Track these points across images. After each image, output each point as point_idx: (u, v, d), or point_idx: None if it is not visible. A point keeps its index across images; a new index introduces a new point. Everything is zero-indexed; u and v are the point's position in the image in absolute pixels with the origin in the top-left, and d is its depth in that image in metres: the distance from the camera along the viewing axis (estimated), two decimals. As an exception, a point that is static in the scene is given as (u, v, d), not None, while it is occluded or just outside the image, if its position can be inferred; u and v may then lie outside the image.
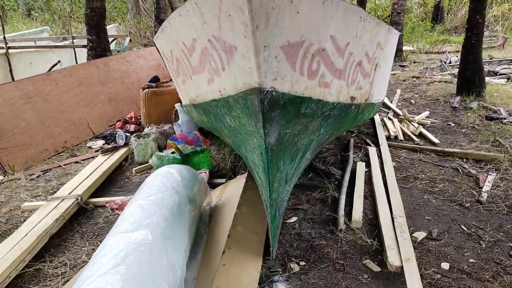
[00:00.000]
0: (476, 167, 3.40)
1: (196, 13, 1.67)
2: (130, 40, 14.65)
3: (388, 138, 4.25)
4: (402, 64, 8.71)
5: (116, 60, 5.73)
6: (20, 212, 3.02)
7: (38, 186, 3.51)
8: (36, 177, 3.74)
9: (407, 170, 3.43)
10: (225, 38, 1.50)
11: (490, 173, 3.24)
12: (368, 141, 4.16)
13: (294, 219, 2.70)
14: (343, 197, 2.87)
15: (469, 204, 2.79)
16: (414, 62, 9.00)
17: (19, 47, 6.16)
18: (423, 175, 3.29)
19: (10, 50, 5.93)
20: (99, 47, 5.58)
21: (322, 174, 3.29)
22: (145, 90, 4.37)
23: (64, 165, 4.01)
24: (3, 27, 6.05)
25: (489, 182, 3.06)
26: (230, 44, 1.52)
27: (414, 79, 7.27)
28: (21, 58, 6.28)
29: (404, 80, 7.19)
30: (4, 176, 3.79)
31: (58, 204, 2.86)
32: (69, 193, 3.02)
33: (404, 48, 10.30)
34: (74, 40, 7.82)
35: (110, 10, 15.81)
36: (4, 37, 5.85)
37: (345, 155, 3.72)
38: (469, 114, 4.91)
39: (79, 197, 2.94)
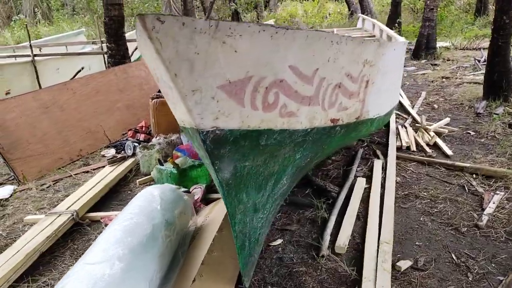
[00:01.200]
0: (485, 185, 3.21)
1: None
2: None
3: (399, 148, 4.10)
4: (434, 63, 8.36)
5: (135, 67, 5.83)
6: (21, 226, 3.14)
7: (46, 197, 3.64)
8: (47, 187, 3.88)
9: (410, 187, 3.29)
10: (166, 80, 1.48)
11: (497, 192, 3.05)
12: (378, 152, 4.02)
13: (279, 241, 2.65)
14: (333, 218, 2.79)
15: (466, 228, 2.64)
16: (448, 60, 8.61)
17: (44, 54, 6.39)
18: (425, 193, 3.14)
19: (36, 58, 6.16)
20: (117, 54, 5.70)
21: (318, 191, 3.22)
22: (154, 100, 4.41)
23: (75, 174, 4.13)
24: (29, 35, 6.27)
25: (493, 203, 2.88)
26: (168, 86, 1.50)
27: (444, 79, 6.96)
28: (48, 65, 6.51)
29: (432, 81, 6.90)
30: (18, 186, 3.96)
31: (54, 220, 2.94)
32: (67, 208, 3.11)
33: (440, 44, 9.88)
34: (103, 44, 8.03)
35: (146, 11, 16.10)
36: (30, 45, 6.08)
37: (348, 169, 3.62)
38: (492, 121, 4.64)
39: (75, 213, 3.02)
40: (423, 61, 8.68)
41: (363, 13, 15.18)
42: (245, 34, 1.50)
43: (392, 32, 5.62)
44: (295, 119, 1.98)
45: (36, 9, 20.79)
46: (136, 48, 8.20)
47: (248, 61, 1.58)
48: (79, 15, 18.26)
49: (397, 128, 4.54)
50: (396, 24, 11.83)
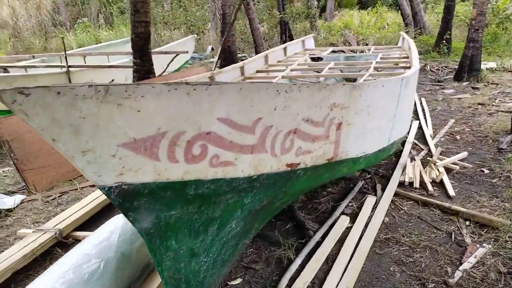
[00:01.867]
0: (475, 234, 3.01)
1: None
2: (213, 49, 15.23)
3: (402, 184, 3.94)
4: (475, 86, 7.93)
5: (159, 82, 6.00)
6: (12, 239, 3.33)
7: (46, 210, 3.83)
8: (51, 200, 4.08)
9: (395, 229, 3.15)
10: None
11: (484, 244, 2.85)
12: (378, 186, 3.89)
13: (238, 280, 2.64)
14: (298, 261, 2.73)
15: (433, 285, 2.49)
16: (491, 84, 8.14)
17: (76, 66, 6.71)
18: (408, 239, 3.00)
19: (70, 69, 6.49)
20: (142, 69, 5.90)
21: (297, 227, 3.16)
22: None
23: (81, 188, 4.32)
24: (64, 47, 6.62)
25: (475, 257, 2.70)
26: None
27: (479, 106, 6.59)
28: (83, 75, 6.84)
29: (466, 107, 6.55)
30: (28, 195, 4.20)
31: (38, 237, 3.10)
32: (55, 226, 3.26)
33: (489, 65, 9.37)
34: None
35: (196, 20, 16.52)
36: (66, 56, 6.42)
37: (336, 205, 3.52)
38: (513, 159, 4.35)
39: (58, 232, 3.15)
40: (465, 83, 8.26)
41: (416, 26, 14.71)
42: (148, 94, 1.52)
43: (415, 58, 5.39)
44: (233, 168, 1.97)
45: (99, 13, 21.94)
46: (172, 60, 8.45)
47: (158, 118, 1.59)
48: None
49: (411, 159, 4.36)
50: (444, 41, 11.36)
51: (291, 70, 6.62)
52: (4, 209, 3.78)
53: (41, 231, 3.17)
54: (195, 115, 1.70)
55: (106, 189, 1.59)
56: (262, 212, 2.50)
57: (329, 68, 6.73)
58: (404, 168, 4.20)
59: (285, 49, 8.30)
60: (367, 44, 14.73)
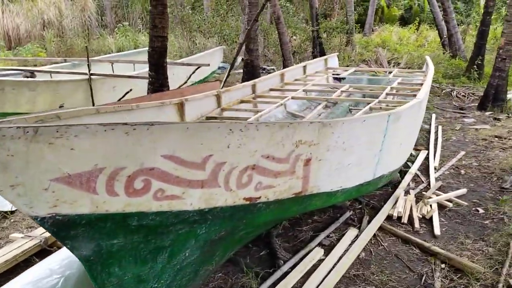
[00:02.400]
0: (447, 279, 2.97)
1: None
2: (243, 59, 15.39)
3: (390, 217, 3.91)
4: (498, 117, 7.70)
5: (171, 95, 6.16)
6: (4, 242, 3.52)
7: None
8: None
9: (368, 266, 3.14)
10: None
11: (453, 292, 2.81)
12: (365, 218, 3.88)
13: (198, 304, 2.70)
14: (258, 292, 2.78)
15: (386, 330, 2.48)
16: (517, 115, 7.89)
17: (99, 74, 6.99)
18: (376, 277, 2.99)
19: (93, 77, 6.77)
20: (157, 82, 6.08)
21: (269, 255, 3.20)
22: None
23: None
24: (88, 54, 6.91)
25: (437, 304, 2.67)
26: None
27: (495, 139, 6.42)
28: (105, 83, 7.12)
29: (482, 139, 6.39)
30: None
31: (24, 243, 3.27)
32: (41, 233, 3.43)
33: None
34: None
35: (230, 30, 16.75)
36: (88, 64, 6.71)
37: (315, 235, 3.54)
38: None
39: (44, 239, 3.32)
40: (488, 113, 8.04)
41: (451, 48, 14.40)
42: (82, 134, 1.62)
43: (424, 88, 5.34)
44: (180, 201, 2.05)
45: (139, 19, 22.62)
46: (193, 72, 8.64)
47: (95, 156, 1.69)
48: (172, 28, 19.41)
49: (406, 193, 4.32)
50: (476, 66, 11.08)
51: (303, 90, 6.63)
52: (3, 211, 3.99)
53: (29, 238, 3.35)
54: (135, 152, 1.79)
55: (39, 219, 1.70)
56: (224, 241, 2.56)
57: (342, 90, 6.72)
58: (396, 201, 4.16)
59: (304, 67, 8.32)
60: (398, 64, 14.54)
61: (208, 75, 11.03)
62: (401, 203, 4.09)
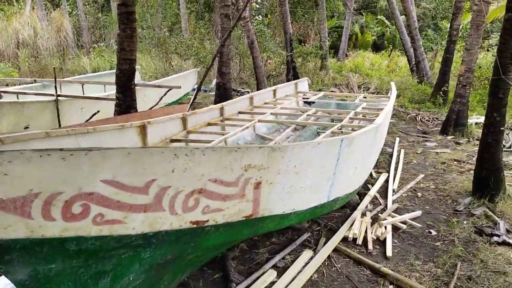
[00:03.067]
0: (394, 300, 3.06)
1: None
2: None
3: (346, 239, 4.00)
4: (458, 141, 7.97)
5: (139, 117, 6.19)
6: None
7: None
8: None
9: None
10: None
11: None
12: (322, 239, 3.96)
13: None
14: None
15: None
16: (477, 139, 8.16)
17: (66, 96, 6.99)
18: (326, 299, 3.05)
19: (60, 98, 6.77)
20: (124, 104, 6.12)
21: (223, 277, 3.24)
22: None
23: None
24: (55, 74, 6.92)
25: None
26: None
27: (454, 162, 6.64)
28: (72, 104, 7.11)
29: (441, 163, 6.60)
30: None
31: None
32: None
33: (478, 120, 9.41)
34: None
35: (206, 53, 16.94)
36: (55, 86, 6.71)
37: (270, 257, 3.60)
38: (465, 222, 4.38)
39: None
40: (450, 137, 8.31)
41: (418, 74, 14.86)
42: (16, 160, 1.67)
43: (383, 113, 5.53)
44: (122, 226, 2.09)
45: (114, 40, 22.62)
46: (165, 94, 8.69)
47: (29, 181, 1.73)
48: (149, 50, 19.45)
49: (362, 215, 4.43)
50: (441, 92, 11.46)
51: (271, 114, 6.75)
52: None
53: None
54: (73, 177, 1.83)
55: (-32, 243, 1.72)
56: (172, 265, 2.60)
57: (310, 114, 6.88)
58: (353, 223, 4.26)
59: (274, 91, 8.47)
60: (368, 88, 14.91)
61: (181, 97, 11.10)
62: (357, 225, 4.19)
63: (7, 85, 11.73)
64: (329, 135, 5.20)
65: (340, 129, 5.51)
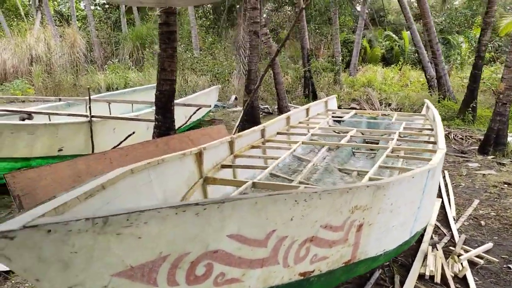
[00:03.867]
0: None
1: None
2: (236, 98, 15.38)
3: (422, 277, 3.69)
4: (502, 162, 7.67)
5: (178, 139, 5.96)
6: (9, 309, 3.19)
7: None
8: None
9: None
10: None
11: None
12: (396, 278, 3.65)
13: None
14: None
15: None
16: (519, 160, 7.88)
17: (100, 116, 6.75)
18: None
19: (93, 119, 6.53)
20: (163, 126, 5.89)
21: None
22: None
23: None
24: (89, 95, 6.69)
25: None
26: None
27: (505, 186, 6.33)
28: (105, 125, 6.87)
29: (492, 186, 6.30)
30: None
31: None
32: None
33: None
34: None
35: (222, 68, 16.79)
36: (89, 107, 6.47)
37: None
38: (543, 255, 4.07)
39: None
40: (490, 157, 8.02)
41: (440, 90, 14.60)
42: (152, 220, 1.41)
43: (441, 137, 5.23)
44: (239, 284, 1.82)
45: (131, 55, 22.46)
46: (194, 113, 8.48)
47: (161, 242, 1.47)
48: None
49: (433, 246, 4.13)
50: (470, 109, 11.21)
51: (312, 134, 6.55)
52: (3, 271, 3.66)
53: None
54: (203, 234, 1.58)
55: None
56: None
57: (351, 135, 6.67)
58: (425, 257, 3.96)
59: (307, 110, 8.29)
60: (389, 104, 14.68)
61: (206, 112, 10.88)
62: (431, 261, 3.88)
63: (23, 102, 11.59)
64: (384, 160, 4.95)
65: (396, 153, 5.25)
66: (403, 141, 6.11)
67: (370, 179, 4.35)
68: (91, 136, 6.50)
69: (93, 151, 6.38)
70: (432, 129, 6.91)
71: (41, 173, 4.51)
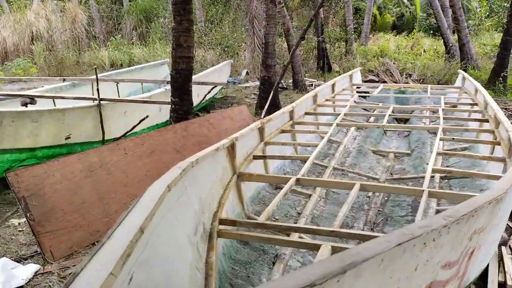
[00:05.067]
0: None
1: None
2: (247, 73, 14.65)
3: (503, 285, 3.12)
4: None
5: (198, 123, 5.35)
6: None
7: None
8: (69, 274, 3.42)
9: None
10: None
11: None
12: (471, 288, 3.08)
13: None
14: None
15: None
16: None
17: (110, 99, 6.13)
18: None
19: (102, 102, 5.91)
20: (181, 109, 5.26)
21: None
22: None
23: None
24: (97, 77, 6.05)
25: None
26: None
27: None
28: (114, 108, 6.24)
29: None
30: (43, 265, 3.55)
31: None
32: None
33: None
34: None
35: (231, 41, 16.00)
36: (98, 89, 5.83)
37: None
38: None
39: None
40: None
41: (462, 58, 13.80)
42: None
43: (501, 115, 4.58)
44: None
45: (134, 30, 21.51)
46: (209, 91, 7.82)
47: None
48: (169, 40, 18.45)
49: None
50: (501, 79, 10.48)
51: (342, 114, 5.98)
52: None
53: None
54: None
55: None
56: None
57: (381, 112, 6.18)
58: (500, 261, 3.38)
59: (333, 86, 7.67)
60: (410, 75, 13.92)
61: (217, 91, 10.24)
62: (509, 267, 3.30)
63: (24, 82, 10.94)
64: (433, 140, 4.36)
65: (449, 135, 4.65)
66: (449, 119, 5.48)
67: (434, 171, 3.75)
68: (101, 121, 5.89)
69: (103, 137, 5.79)
70: (476, 104, 6.26)
71: (48, 169, 3.94)
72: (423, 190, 3.07)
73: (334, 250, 2.30)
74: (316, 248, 2.32)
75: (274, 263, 2.91)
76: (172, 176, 2.24)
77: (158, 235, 1.87)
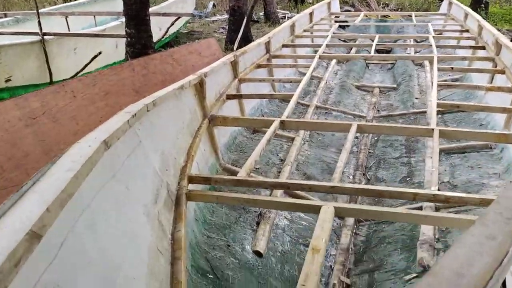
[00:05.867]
0: None
1: None
2: (214, 5, 13.54)
3: (503, 285, 2.73)
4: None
5: (159, 59, 4.64)
6: None
7: None
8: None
9: None
10: None
11: None
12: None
13: None
14: None
15: None
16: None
17: (55, 34, 5.27)
18: None
19: (46, 37, 5.07)
20: (138, 42, 4.51)
21: None
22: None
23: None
24: (37, 7, 5.16)
25: None
26: None
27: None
28: (62, 45, 5.39)
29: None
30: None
31: None
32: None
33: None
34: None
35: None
36: (39, 21, 4.97)
37: None
38: None
39: None
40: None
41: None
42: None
43: (501, 37, 4.05)
44: None
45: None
46: (172, 24, 6.98)
47: None
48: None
49: None
50: (483, 5, 9.94)
51: (320, 46, 5.43)
52: None
53: None
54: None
55: None
56: None
57: (364, 42, 5.63)
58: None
59: (310, 14, 6.98)
60: (387, 4, 13.22)
61: (184, 23, 9.33)
62: None
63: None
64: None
65: (447, 64, 4.13)
66: (442, 48, 4.95)
67: (440, 106, 3.25)
68: (46, 60, 5.08)
69: (51, 79, 5.02)
70: (466, 30, 5.73)
71: (-23, 119, 3.24)
72: (433, 129, 2.58)
73: (338, 212, 1.80)
74: (314, 210, 1.81)
75: (258, 223, 2.42)
76: (115, 126, 1.60)
77: (89, 225, 1.26)
